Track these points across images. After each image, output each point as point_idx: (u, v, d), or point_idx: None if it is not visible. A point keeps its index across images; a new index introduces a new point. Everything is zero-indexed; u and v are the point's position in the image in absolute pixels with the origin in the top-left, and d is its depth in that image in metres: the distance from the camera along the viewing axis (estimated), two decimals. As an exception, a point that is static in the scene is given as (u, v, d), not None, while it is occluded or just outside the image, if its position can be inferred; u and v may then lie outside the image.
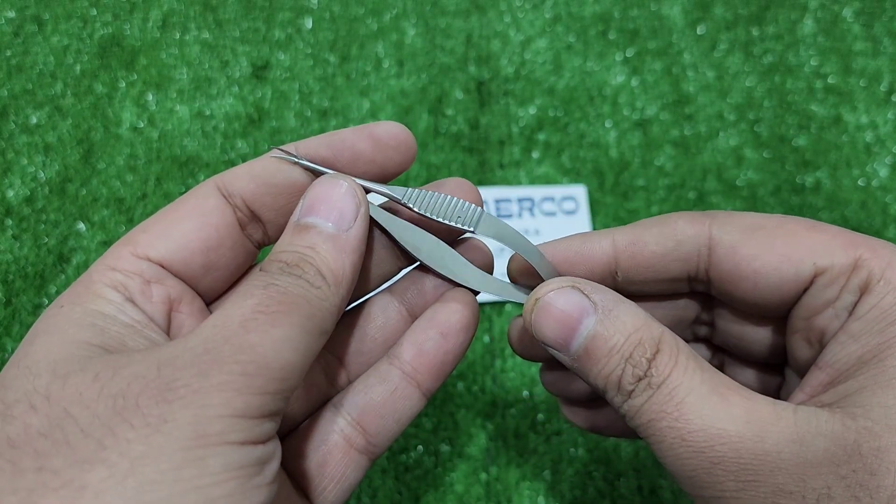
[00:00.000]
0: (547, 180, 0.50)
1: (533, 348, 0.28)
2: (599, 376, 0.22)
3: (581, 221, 0.48)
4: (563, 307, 0.23)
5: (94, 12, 0.57)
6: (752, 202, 0.49)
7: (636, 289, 0.26)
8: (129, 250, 0.22)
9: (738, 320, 0.26)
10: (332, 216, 0.22)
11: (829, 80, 0.55)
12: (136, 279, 0.21)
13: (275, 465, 0.19)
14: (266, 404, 0.18)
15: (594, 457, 0.40)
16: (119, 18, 0.56)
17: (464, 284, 0.26)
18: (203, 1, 0.58)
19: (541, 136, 0.52)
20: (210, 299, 0.24)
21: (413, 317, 0.27)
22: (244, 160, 0.26)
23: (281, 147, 0.24)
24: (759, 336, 0.26)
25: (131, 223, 0.47)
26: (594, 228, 0.48)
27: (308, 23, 0.57)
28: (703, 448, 0.20)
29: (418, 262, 0.26)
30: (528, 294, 0.26)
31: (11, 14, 0.56)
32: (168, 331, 0.22)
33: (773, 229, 0.23)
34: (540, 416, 0.41)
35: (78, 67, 0.53)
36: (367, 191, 0.24)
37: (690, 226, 0.24)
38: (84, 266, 0.45)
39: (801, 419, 0.20)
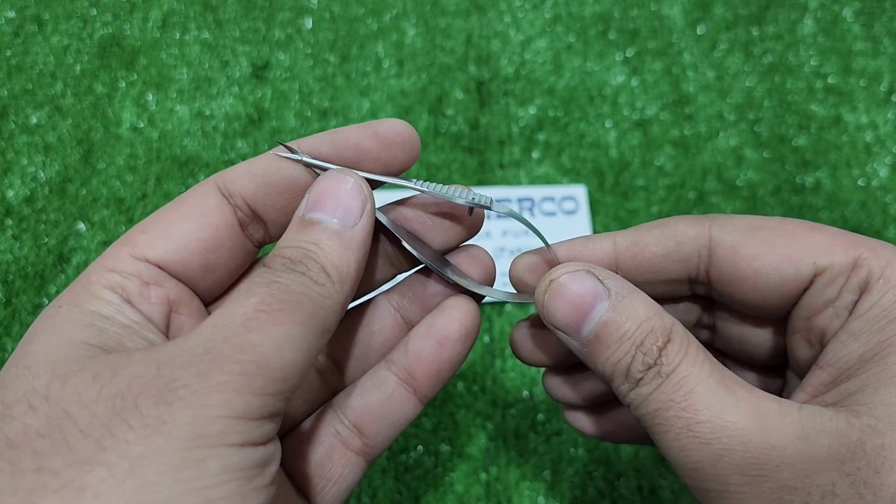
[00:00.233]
0: (547, 180, 0.50)
1: (535, 353, 0.28)
2: (608, 363, 0.22)
3: (581, 221, 0.48)
4: (577, 290, 0.22)
5: (94, 12, 0.57)
6: (752, 202, 0.49)
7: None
8: (128, 251, 0.22)
9: (739, 323, 0.26)
10: (337, 212, 0.22)
11: (829, 80, 0.55)
12: (134, 280, 0.21)
13: (274, 466, 0.19)
14: (267, 405, 0.18)
15: (594, 457, 0.40)
16: (119, 18, 0.56)
17: (467, 287, 0.25)
18: (203, 1, 0.58)
19: (541, 136, 0.52)
20: (209, 300, 0.24)
21: (409, 323, 0.26)
22: (244, 160, 0.26)
23: (285, 144, 0.23)
24: (759, 338, 0.26)
25: (131, 223, 0.47)
26: (594, 228, 0.48)
27: (308, 23, 0.57)
28: (710, 440, 0.20)
29: (420, 266, 0.26)
30: (531, 295, 0.26)
31: (11, 14, 0.56)
32: (167, 332, 0.22)
33: (772, 230, 0.23)
34: (540, 416, 0.41)
35: (78, 67, 0.53)
36: (374, 184, 0.24)
37: (691, 227, 0.25)
38: (84, 266, 0.45)
39: (805, 417, 0.20)
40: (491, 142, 0.51)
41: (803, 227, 0.23)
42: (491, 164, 0.50)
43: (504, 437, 0.40)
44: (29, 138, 0.50)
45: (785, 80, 0.55)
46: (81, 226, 0.47)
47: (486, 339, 0.44)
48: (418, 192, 0.24)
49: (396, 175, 0.24)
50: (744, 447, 0.20)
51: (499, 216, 0.47)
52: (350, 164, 0.24)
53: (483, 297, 0.26)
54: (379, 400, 0.25)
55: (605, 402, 0.30)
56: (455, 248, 0.26)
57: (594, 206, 0.49)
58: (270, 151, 0.23)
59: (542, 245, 0.26)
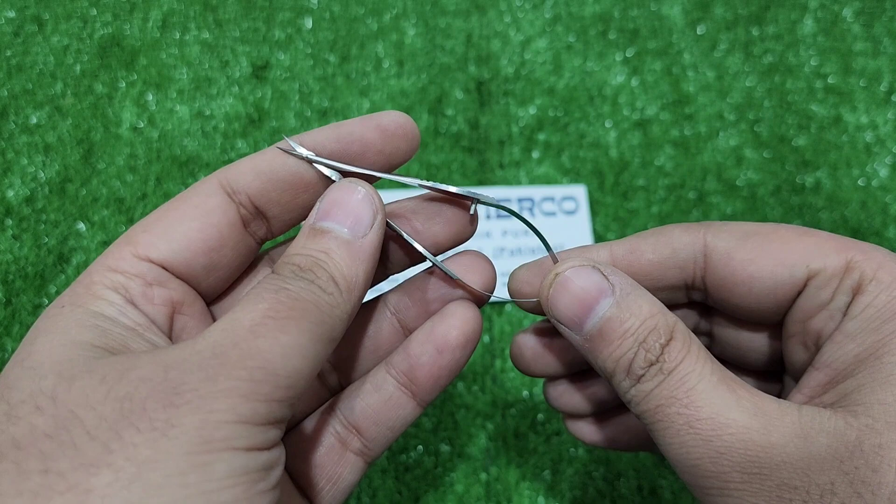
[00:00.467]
0: (547, 180, 0.50)
1: (535, 364, 0.28)
2: (610, 358, 0.22)
3: (581, 221, 0.48)
4: (581, 285, 0.23)
5: (94, 12, 0.57)
6: (752, 202, 0.49)
7: None
8: (130, 251, 0.22)
9: (736, 328, 0.27)
10: (348, 222, 0.22)
11: (829, 80, 0.55)
12: (137, 281, 0.21)
13: (279, 470, 0.19)
14: (272, 411, 0.18)
15: (594, 457, 0.40)
16: (119, 18, 0.56)
17: (472, 287, 0.25)
18: (203, 1, 0.58)
19: (541, 136, 0.52)
20: (211, 298, 0.24)
21: (405, 326, 0.26)
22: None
23: (290, 139, 0.23)
24: (756, 344, 0.26)
25: (131, 223, 0.47)
26: (594, 228, 0.48)
27: (308, 23, 0.57)
28: (711, 437, 0.20)
29: (420, 268, 0.26)
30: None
31: (11, 14, 0.56)
32: (170, 333, 0.22)
33: (766, 235, 0.24)
34: (540, 416, 0.41)
35: (78, 67, 0.53)
36: (371, 179, 0.24)
37: (686, 234, 0.25)
38: (84, 266, 0.45)
39: (805, 416, 0.20)
40: (491, 142, 0.51)
41: (796, 232, 0.24)
42: (491, 164, 0.50)
43: (504, 437, 0.40)
44: (29, 138, 0.50)
45: (785, 80, 0.55)
46: (81, 226, 0.47)
47: (486, 339, 0.44)
48: (417, 188, 0.24)
49: (398, 166, 0.24)
50: (744, 445, 0.20)
51: (499, 216, 0.47)
52: (354, 157, 0.24)
53: (489, 296, 0.26)
54: (378, 402, 0.25)
55: (606, 410, 0.30)
56: (453, 246, 0.26)
57: (594, 206, 0.49)
58: (274, 146, 0.23)
59: (539, 255, 0.26)
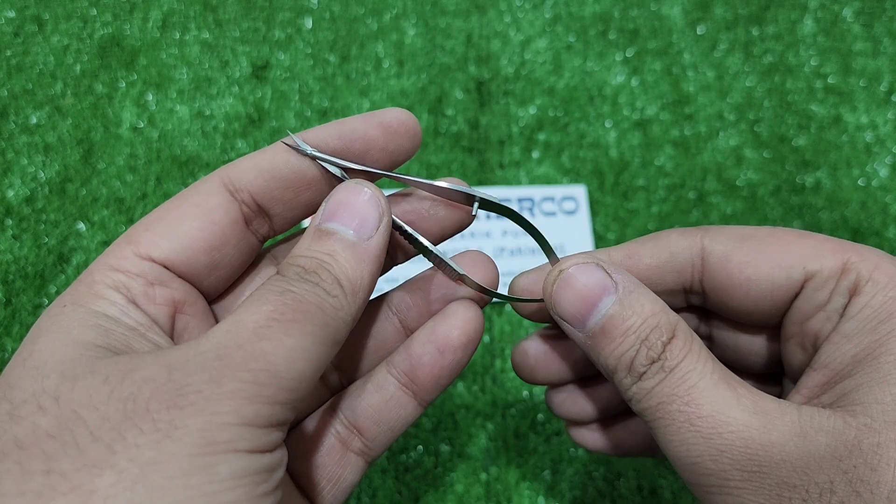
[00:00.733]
0: (547, 180, 0.50)
1: (538, 371, 0.28)
2: (612, 355, 0.22)
3: (581, 221, 0.48)
4: (585, 282, 0.23)
5: (94, 12, 0.57)
6: (752, 202, 0.49)
7: None
8: (132, 250, 0.22)
9: (735, 332, 0.27)
10: (353, 223, 0.22)
11: (829, 80, 0.55)
12: (138, 280, 0.21)
13: (281, 471, 0.19)
14: (275, 413, 0.18)
15: (594, 457, 0.40)
16: (119, 18, 0.56)
17: (479, 284, 0.25)
18: (203, 1, 0.58)
19: (541, 136, 0.52)
20: (213, 297, 0.24)
21: (406, 326, 0.26)
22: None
23: (294, 135, 0.23)
24: (755, 347, 0.27)
25: (131, 223, 0.47)
26: (594, 228, 0.48)
27: (308, 23, 0.57)
28: (711, 434, 0.20)
29: (429, 266, 0.26)
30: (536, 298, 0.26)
31: (11, 14, 0.56)
32: (172, 333, 0.22)
33: (763, 238, 0.24)
34: (540, 416, 0.41)
35: (78, 67, 0.53)
36: (373, 177, 0.24)
37: (683, 238, 0.25)
38: (84, 266, 0.45)
39: (804, 415, 0.20)
40: (491, 142, 0.51)
41: (793, 235, 0.24)
42: (491, 164, 0.50)
43: (504, 437, 0.40)
44: (29, 138, 0.50)
45: (785, 80, 0.55)
46: (81, 226, 0.47)
47: (486, 339, 0.44)
48: (414, 185, 0.24)
49: (401, 163, 0.24)
50: (744, 443, 0.20)
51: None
52: (357, 155, 0.23)
53: (495, 292, 0.25)
54: (379, 402, 0.25)
55: (608, 416, 0.30)
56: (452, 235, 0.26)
57: (594, 206, 0.49)
58: (278, 142, 0.23)
59: (540, 254, 0.26)
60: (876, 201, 0.49)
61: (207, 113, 0.52)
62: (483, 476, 0.39)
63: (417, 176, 0.27)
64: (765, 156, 0.51)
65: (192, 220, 0.22)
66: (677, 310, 0.28)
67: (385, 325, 0.26)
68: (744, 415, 0.20)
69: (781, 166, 0.51)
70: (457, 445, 0.40)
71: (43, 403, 0.17)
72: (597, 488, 0.39)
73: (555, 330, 0.29)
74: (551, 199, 0.48)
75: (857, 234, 0.48)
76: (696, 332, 0.28)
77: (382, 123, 0.23)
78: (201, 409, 0.17)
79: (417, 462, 0.40)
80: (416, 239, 0.24)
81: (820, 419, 0.20)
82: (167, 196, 0.48)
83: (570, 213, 0.48)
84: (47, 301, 0.44)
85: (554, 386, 0.30)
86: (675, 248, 0.25)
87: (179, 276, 0.22)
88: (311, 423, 0.25)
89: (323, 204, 0.22)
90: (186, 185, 0.48)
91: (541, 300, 0.25)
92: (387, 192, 0.24)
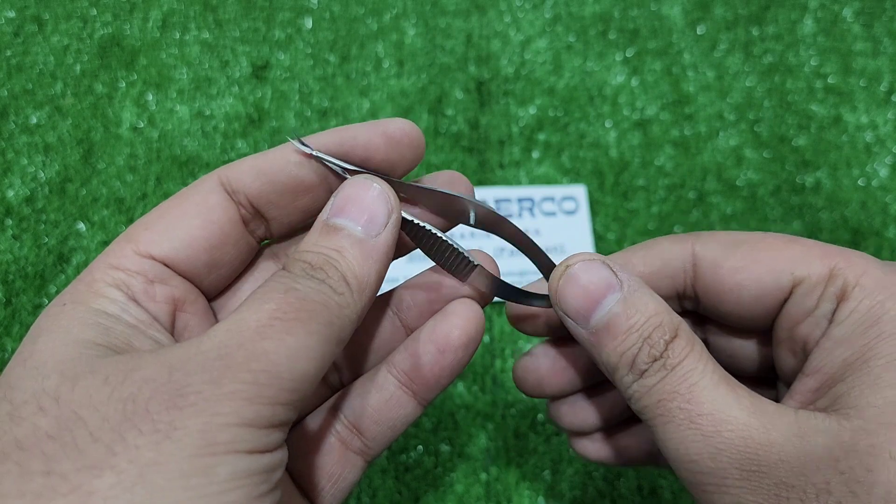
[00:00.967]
0: (547, 180, 0.50)
1: (539, 385, 0.29)
2: (615, 353, 0.22)
3: (581, 221, 0.48)
4: (591, 278, 0.23)
5: (94, 12, 0.57)
6: (752, 202, 0.49)
7: None
8: (132, 248, 0.22)
9: (729, 336, 0.27)
10: (362, 219, 0.21)
11: (829, 80, 0.55)
12: (139, 278, 0.21)
13: (280, 471, 0.19)
14: (277, 414, 0.18)
15: (594, 457, 0.40)
16: (119, 18, 0.56)
17: (493, 275, 0.25)
18: (203, 1, 0.58)
19: (541, 136, 0.52)
20: (212, 295, 0.24)
21: (406, 326, 0.26)
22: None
23: (301, 139, 0.23)
24: (748, 351, 0.27)
25: (131, 223, 0.46)
26: (594, 228, 0.48)
27: (308, 23, 0.57)
28: (711, 433, 0.20)
29: (432, 266, 0.26)
30: (539, 300, 0.26)
31: (11, 14, 0.56)
32: (172, 331, 0.22)
33: (753, 244, 0.24)
34: (540, 416, 0.41)
35: (78, 67, 0.53)
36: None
37: (675, 245, 0.25)
38: (84, 266, 0.45)
39: (801, 417, 0.20)
40: (491, 142, 0.51)
41: (782, 240, 0.24)
42: (491, 164, 0.50)
43: (504, 437, 0.40)
44: (29, 138, 0.50)
45: (785, 80, 0.55)
46: (81, 226, 0.47)
47: (487, 339, 0.44)
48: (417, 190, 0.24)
49: (403, 174, 0.24)
50: (744, 442, 0.20)
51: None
52: (358, 164, 0.23)
53: (506, 284, 0.25)
54: (378, 402, 0.25)
55: (610, 426, 0.30)
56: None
57: (594, 206, 0.49)
58: (279, 146, 0.23)
59: (542, 244, 0.26)
60: (876, 201, 0.49)
61: (207, 113, 0.52)
62: (483, 476, 0.39)
63: (416, 176, 0.26)
64: (765, 156, 0.51)
65: (192, 219, 0.22)
66: None
67: (385, 324, 0.26)
68: (744, 414, 0.20)
69: (781, 166, 0.51)
70: (457, 445, 0.40)
71: (43, 404, 0.17)
72: (597, 488, 0.39)
73: (553, 345, 0.29)
74: (551, 199, 0.48)
75: (857, 234, 0.48)
76: None
77: (385, 133, 0.23)
78: (201, 409, 0.16)
79: (417, 462, 0.40)
80: (426, 233, 0.24)
81: (816, 422, 0.20)
82: (167, 196, 0.48)
83: (570, 213, 0.48)
84: (47, 301, 0.44)
85: (555, 398, 0.30)
86: (667, 256, 0.26)
87: (179, 275, 0.22)
88: (310, 422, 0.25)
89: (331, 198, 0.22)
90: (186, 186, 0.48)
91: (547, 296, 0.25)
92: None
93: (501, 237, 0.26)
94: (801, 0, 0.60)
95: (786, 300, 0.24)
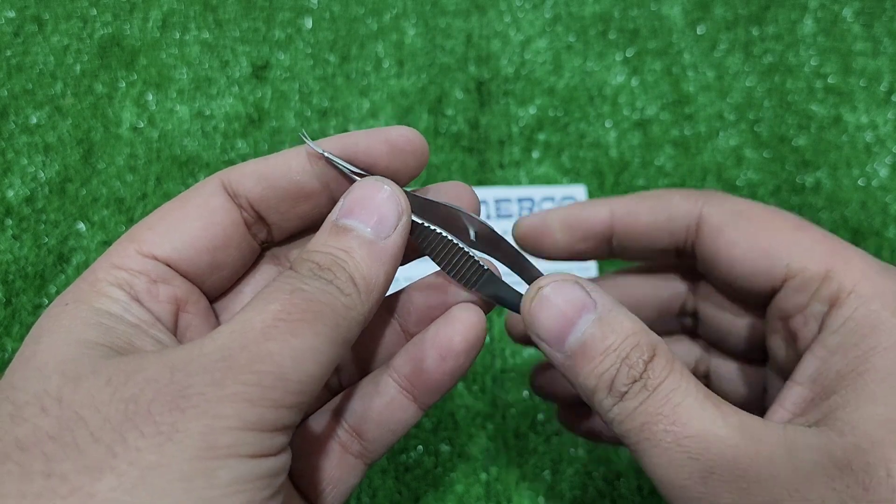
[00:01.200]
0: (547, 180, 0.50)
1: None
2: (592, 375, 0.21)
3: (581, 221, 0.48)
4: (563, 300, 0.22)
5: (94, 12, 0.57)
6: (752, 202, 0.49)
7: (629, 255, 0.28)
8: (135, 248, 0.21)
9: (721, 311, 0.27)
10: (371, 221, 0.21)
11: (829, 80, 0.55)
12: (141, 278, 0.21)
13: (283, 475, 0.18)
14: (280, 417, 0.17)
15: (594, 457, 0.40)
16: (119, 18, 0.56)
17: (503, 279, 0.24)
18: (203, 1, 0.58)
19: (541, 136, 0.52)
20: (213, 297, 0.24)
21: (406, 330, 0.26)
22: (244, 160, 0.26)
23: (310, 142, 0.23)
24: (739, 327, 0.27)
25: (131, 223, 0.47)
26: (594, 228, 0.48)
27: (308, 23, 0.57)
28: (699, 453, 0.19)
29: (436, 271, 0.26)
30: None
31: (11, 14, 0.56)
32: (174, 331, 0.22)
33: (759, 220, 0.24)
34: (540, 416, 0.41)
35: (78, 67, 0.53)
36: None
37: (684, 202, 0.25)
38: (84, 266, 0.45)
39: (789, 432, 0.20)
40: (491, 142, 0.51)
41: (790, 224, 0.24)
42: (491, 164, 0.50)
43: (504, 437, 0.40)
44: (29, 138, 0.50)
45: (785, 80, 0.55)
46: (81, 226, 0.47)
47: (487, 339, 0.44)
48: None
49: (405, 183, 0.24)
50: (734, 460, 0.19)
51: (498, 216, 0.47)
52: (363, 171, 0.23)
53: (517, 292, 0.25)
54: (379, 406, 0.24)
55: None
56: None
57: (594, 206, 0.49)
58: (284, 151, 0.23)
59: (543, 211, 0.27)
60: (876, 201, 0.49)
61: (207, 113, 0.52)
62: (483, 476, 0.39)
63: (422, 180, 0.26)
64: (765, 156, 0.51)
65: (195, 221, 0.22)
66: (668, 271, 0.29)
67: (386, 328, 0.26)
68: (731, 432, 0.20)
69: (781, 166, 0.51)
70: (457, 445, 0.40)
71: (45, 405, 0.17)
72: (597, 488, 0.39)
73: None
74: (551, 199, 0.48)
75: (856, 234, 0.48)
76: (684, 310, 0.29)
77: (388, 141, 0.23)
78: (203, 411, 0.16)
79: (417, 462, 0.40)
80: (437, 237, 0.23)
81: (805, 437, 0.20)
82: (167, 196, 0.48)
83: (570, 213, 0.48)
84: (47, 301, 0.44)
85: (541, 368, 0.30)
86: (674, 210, 0.25)
87: (182, 275, 0.22)
88: (311, 426, 0.25)
89: (341, 199, 0.22)
90: (186, 186, 0.48)
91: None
92: None
93: (497, 258, 0.25)
94: (801, 0, 0.60)
95: (779, 288, 0.23)
